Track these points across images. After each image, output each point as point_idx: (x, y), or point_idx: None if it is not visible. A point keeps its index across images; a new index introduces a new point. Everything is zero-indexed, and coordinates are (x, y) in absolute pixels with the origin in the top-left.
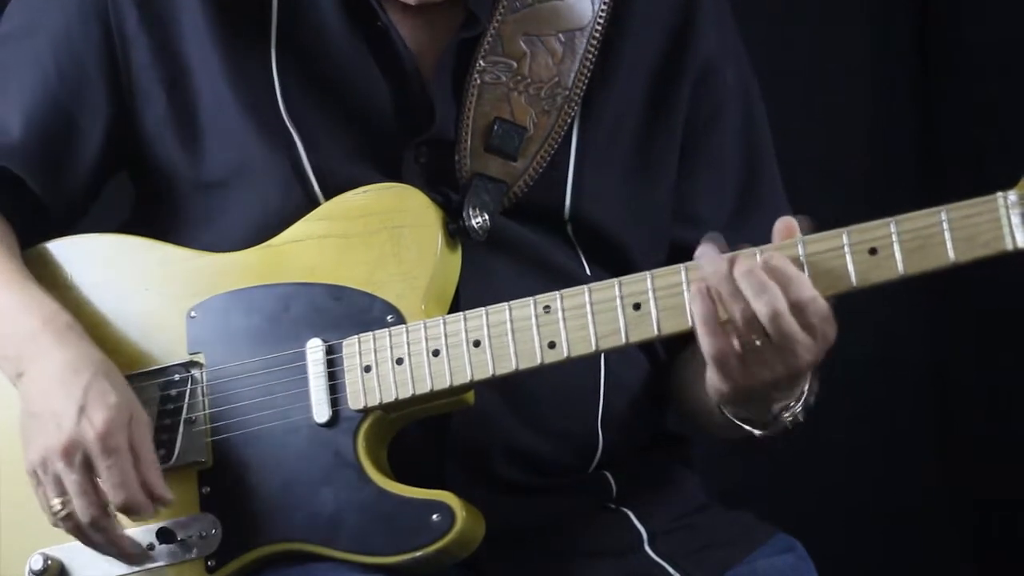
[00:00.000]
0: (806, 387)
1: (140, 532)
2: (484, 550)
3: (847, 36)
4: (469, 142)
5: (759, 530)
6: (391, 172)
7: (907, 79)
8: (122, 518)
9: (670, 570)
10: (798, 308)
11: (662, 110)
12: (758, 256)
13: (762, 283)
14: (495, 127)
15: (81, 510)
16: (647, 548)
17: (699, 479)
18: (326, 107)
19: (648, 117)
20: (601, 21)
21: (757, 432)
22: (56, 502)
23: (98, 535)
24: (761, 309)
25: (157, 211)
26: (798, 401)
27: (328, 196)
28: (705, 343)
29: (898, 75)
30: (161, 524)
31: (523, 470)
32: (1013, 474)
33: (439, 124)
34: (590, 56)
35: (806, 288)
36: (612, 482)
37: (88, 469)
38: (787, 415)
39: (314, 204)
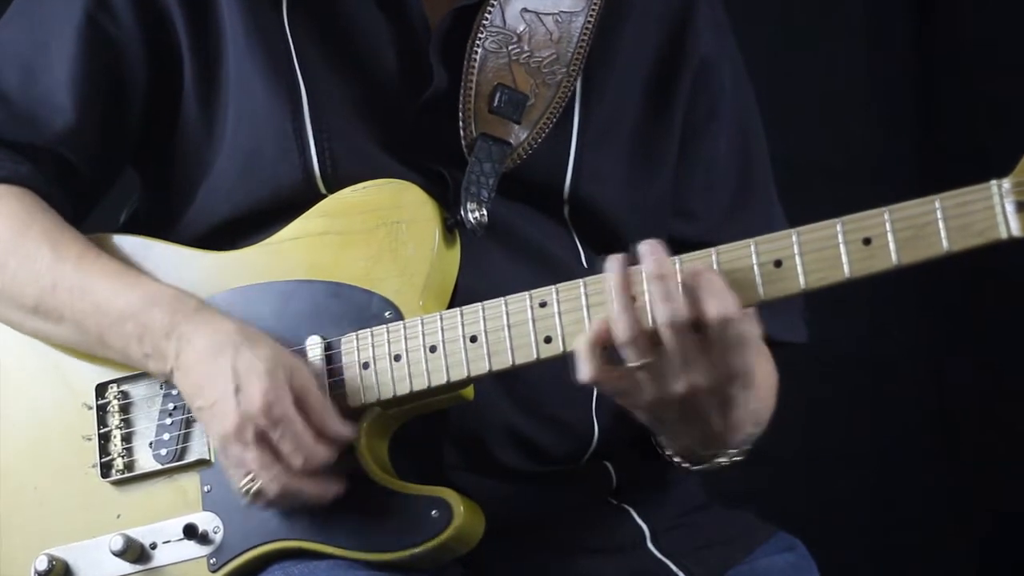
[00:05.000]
0: (736, 431)
1: (171, 525)
2: (486, 545)
3: (847, 36)
4: (473, 103)
5: (760, 529)
6: (394, 137)
7: (907, 79)
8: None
9: (672, 567)
10: (710, 326)
11: (661, 103)
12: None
13: (669, 292)
14: (498, 92)
15: (267, 484)
16: (650, 545)
17: (699, 479)
18: (336, 66)
19: (647, 108)
20: (596, 7)
21: (688, 466)
22: (243, 483)
23: (295, 500)
24: (662, 316)
25: (163, 176)
26: (728, 445)
27: (323, 163)
28: (581, 370)
29: (898, 75)
30: (186, 519)
31: (522, 455)
32: (1012, 474)
33: (436, 87)
34: (585, 38)
35: (728, 306)
36: (612, 473)
37: (263, 443)
38: (721, 459)
39: (308, 171)
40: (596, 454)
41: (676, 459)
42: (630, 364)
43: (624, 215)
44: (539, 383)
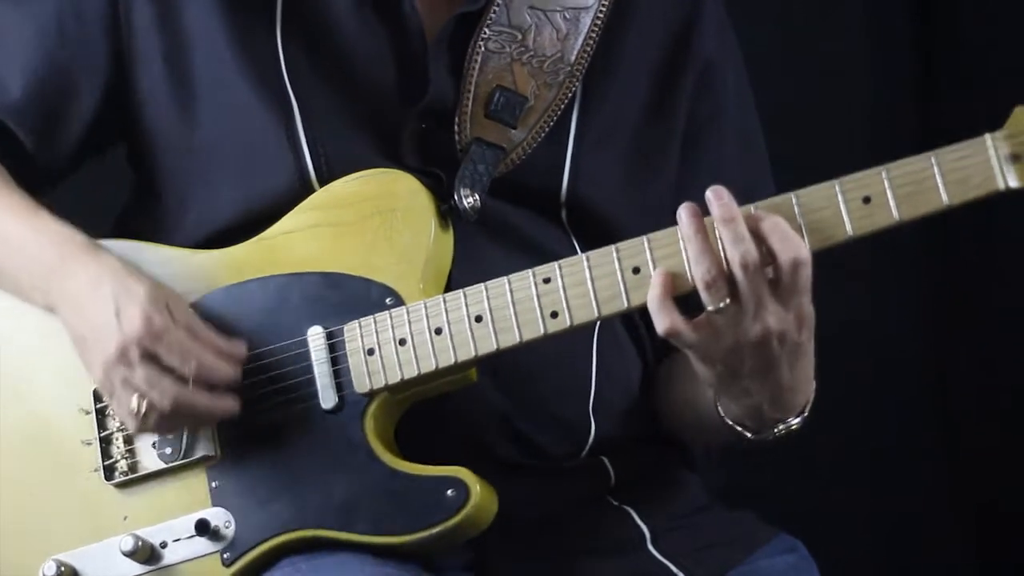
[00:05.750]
0: (800, 390)
1: (180, 523)
2: (487, 546)
3: (847, 36)
4: (470, 107)
5: (761, 530)
6: (389, 143)
7: (907, 79)
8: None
9: (673, 569)
10: (784, 269)
11: (664, 103)
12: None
13: (740, 234)
14: (496, 95)
15: (159, 398)
16: (650, 547)
17: (700, 480)
18: (329, 77)
19: (649, 109)
20: (605, 5)
21: (748, 435)
22: (133, 403)
23: (190, 412)
24: (735, 257)
25: (150, 185)
26: (792, 408)
27: (319, 170)
28: (656, 323)
29: (898, 75)
30: (197, 516)
31: (519, 451)
32: (1014, 474)
33: (433, 93)
34: (593, 35)
35: (800, 250)
36: (610, 469)
37: (149, 360)
38: (780, 426)
39: (304, 178)
40: (593, 451)
41: (738, 427)
42: (709, 308)
43: (622, 218)
44: (536, 380)
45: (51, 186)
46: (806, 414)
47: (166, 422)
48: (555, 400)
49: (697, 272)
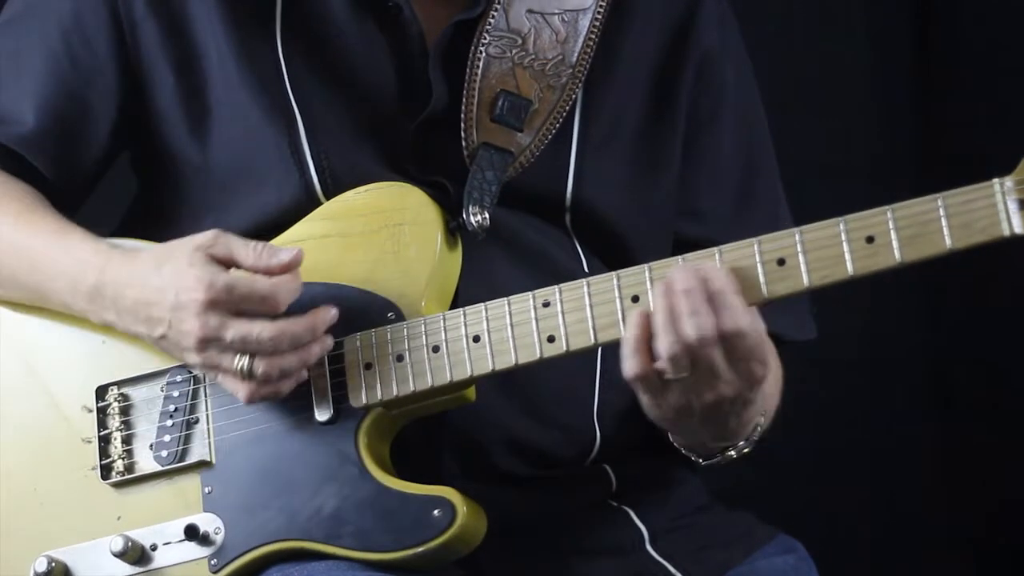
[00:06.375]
0: (747, 425)
1: (171, 526)
2: (485, 546)
3: (847, 35)
4: (475, 113)
5: (760, 531)
6: (393, 153)
7: (907, 79)
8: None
9: (671, 569)
10: (725, 339)
11: (664, 102)
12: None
13: (695, 308)
14: (500, 99)
15: (260, 343)
16: (648, 547)
17: (700, 480)
18: (331, 87)
19: (650, 109)
20: (603, 5)
21: (701, 461)
22: (238, 364)
23: (294, 347)
24: (689, 333)
25: (159, 197)
26: (738, 439)
27: (323, 181)
28: (626, 365)
29: (898, 74)
30: (188, 520)
31: (521, 461)
32: (1012, 474)
33: (436, 100)
34: (593, 37)
35: (738, 319)
36: (612, 476)
37: (230, 317)
38: (731, 451)
39: (309, 190)
40: (597, 459)
41: (685, 452)
42: (668, 376)
43: (627, 219)
44: (540, 389)
45: (73, 210)
46: (755, 437)
47: (275, 371)
48: (560, 408)
49: (663, 344)
